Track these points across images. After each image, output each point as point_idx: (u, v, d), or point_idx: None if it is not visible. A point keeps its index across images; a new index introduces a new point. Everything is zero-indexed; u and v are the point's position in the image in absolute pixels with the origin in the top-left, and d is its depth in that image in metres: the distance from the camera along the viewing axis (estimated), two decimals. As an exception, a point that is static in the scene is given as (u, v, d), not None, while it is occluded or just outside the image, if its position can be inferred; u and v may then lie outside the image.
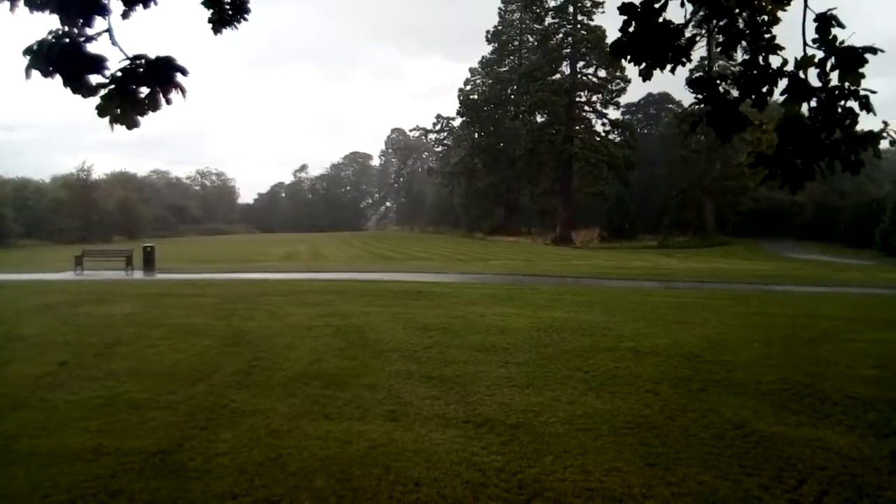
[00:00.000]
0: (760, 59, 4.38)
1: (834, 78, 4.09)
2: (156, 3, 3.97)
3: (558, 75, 61.92)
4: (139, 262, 25.89)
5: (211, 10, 4.76)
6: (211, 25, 4.83)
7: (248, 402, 6.54)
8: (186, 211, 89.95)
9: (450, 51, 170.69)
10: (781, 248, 47.74)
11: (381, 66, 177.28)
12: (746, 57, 4.52)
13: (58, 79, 3.64)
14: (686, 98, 66.53)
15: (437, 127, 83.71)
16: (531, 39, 69.83)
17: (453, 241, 61.70)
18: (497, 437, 5.51)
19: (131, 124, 3.80)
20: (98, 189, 70.90)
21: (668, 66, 4.25)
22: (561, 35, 61.08)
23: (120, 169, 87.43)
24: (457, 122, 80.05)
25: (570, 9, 59.99)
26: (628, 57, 4.25)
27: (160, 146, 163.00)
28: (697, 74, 4.40)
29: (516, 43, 73.03)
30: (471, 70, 78.73)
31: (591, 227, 63.04)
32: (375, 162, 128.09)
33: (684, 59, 4.25)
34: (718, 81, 4.49)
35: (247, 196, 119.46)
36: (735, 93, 4.62)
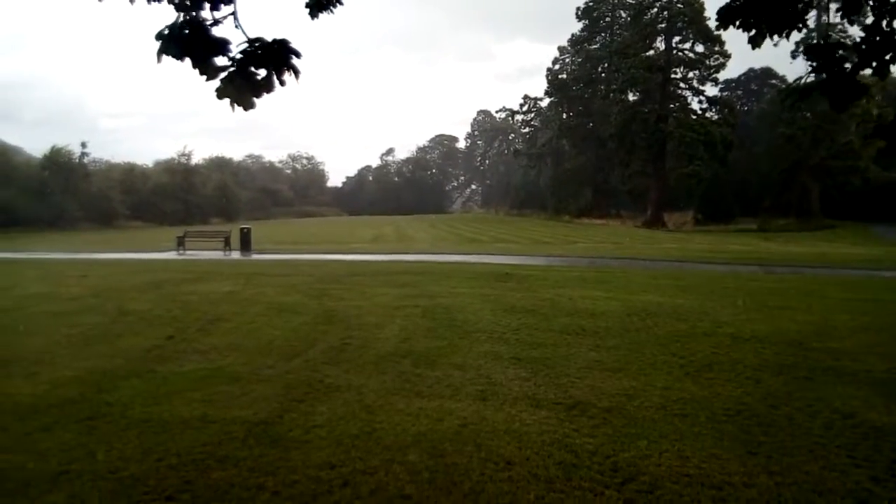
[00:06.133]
0: (884, 24, 4.06)
1: None
2: None
3: (652, 51, 59.61)
4: (236, 242, 27.13)
5: (309, -5, 4.84)
6: (308, 10, 4.93)
7: (342, 377, 6.72)
8: (279, 194, 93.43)
9: (537, 32, 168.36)
10: (895, 231, 44.45)
11: (469, 48, 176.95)
12: (868, 22, 4.20)
13: (186, 62, 3.82)
14: (790, 72, 62.77)
15: (524, 108, 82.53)
16: (624, 15, 67.49)
17: (539, 223, 61.04)
18: (589, 419, 5.41)
19: (248, 105, 3.93)
20: (197, 173, 74.89)
21: (784, 32, 4.00)
22: (655, 10, 58.70)
23: (217, 154, 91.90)
24: (544, 103, 78.91)
25: (666, -18, 57.64)
26: (737, 23, 4.03)
27: (254, 131, 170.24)
28: (809, 42, 4.15)
29: (608, 19, 70.68)
30: (560, 49, 77.06)
31: (685, 209, 60.81)
32: (461, 144, 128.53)
33: (800, 25, 3.99)
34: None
35: (335, 179, 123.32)
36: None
